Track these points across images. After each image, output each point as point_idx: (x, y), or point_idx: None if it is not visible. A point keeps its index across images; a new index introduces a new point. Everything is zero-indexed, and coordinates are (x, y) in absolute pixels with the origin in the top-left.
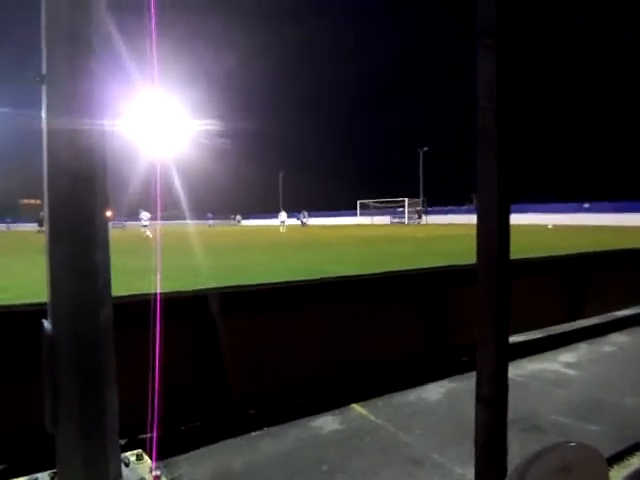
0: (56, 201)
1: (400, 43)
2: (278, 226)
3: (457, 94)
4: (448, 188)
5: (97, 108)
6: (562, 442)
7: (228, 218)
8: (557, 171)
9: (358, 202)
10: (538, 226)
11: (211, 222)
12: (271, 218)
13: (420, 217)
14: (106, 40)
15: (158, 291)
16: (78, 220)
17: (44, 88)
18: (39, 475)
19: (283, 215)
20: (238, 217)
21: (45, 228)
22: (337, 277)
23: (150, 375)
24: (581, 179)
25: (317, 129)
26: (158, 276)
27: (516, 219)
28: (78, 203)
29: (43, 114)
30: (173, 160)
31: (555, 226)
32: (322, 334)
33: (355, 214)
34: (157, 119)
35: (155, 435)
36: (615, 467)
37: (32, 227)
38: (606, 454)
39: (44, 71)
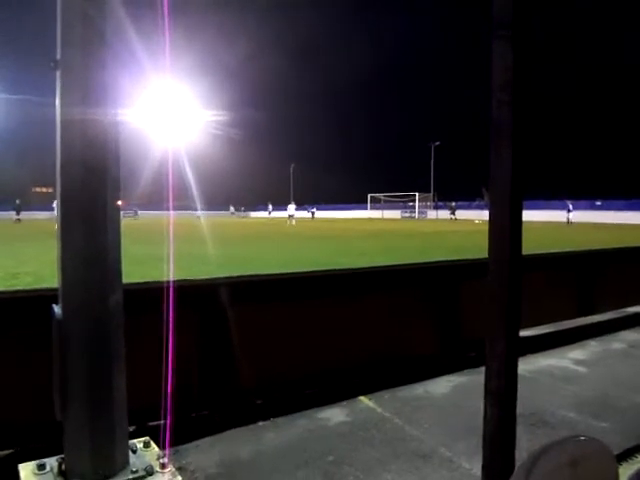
0: (68, 189)
1: (413, 37)
2: (285, 219)
3: (470, 87)
4: (459, 183)
5: (110, 97)
6: (571, 436)
7: (225, 209)
8: (569, 168)
9: (369, 196)
10: (555, 223)
11: (199, 213)
12: (281, 210)
13: (454, 212)
14: (119, 30)
15: (171, 279)
16: (90, 207)
17: (58, 74)
18: (47, 460)
19: (292, 208)
20: (232, 208)
21: (57, 215)
22: (344, 269)
23: (161, 363)
24: (593, 176)
25: (329, 122)
26: (171, 265)
27: (527, 215)
28: (90, 191)
29: (57, 101)
30: (184, 150)
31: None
32: (330, 326)
33: (366, 208)
34: (169, 109)
35: (165, 423)
36: (623, 464)
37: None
38: (615, 451)
39: (58, 57)
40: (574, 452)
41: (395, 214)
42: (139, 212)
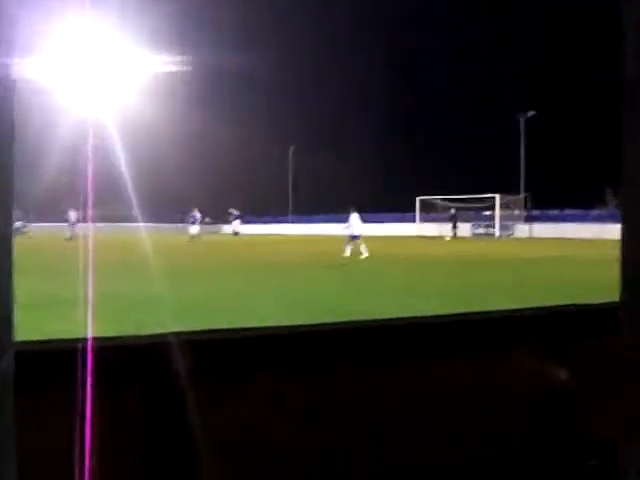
0: None
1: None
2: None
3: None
4: (563, 182)
5: (2, 41)
6: None
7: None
8: None
9: (417, 199)
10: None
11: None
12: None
13: (455, 226)
14: None
15: (89, 335)
16: None
17: None
18: None
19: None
20: (236, 220)
21: None
22: (376, 320)
23: (75, 466)
24: None
25: (344, 77)
26: (89, 312)
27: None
28: None
29: None
30: (114, 122)
31: None
32: (353, 411)
33: (413, 218)
34: (92, 57)
35: None
36: None
37: None
38: None
39: None
40: None
41: (464, 229)
42: (29, 225)
